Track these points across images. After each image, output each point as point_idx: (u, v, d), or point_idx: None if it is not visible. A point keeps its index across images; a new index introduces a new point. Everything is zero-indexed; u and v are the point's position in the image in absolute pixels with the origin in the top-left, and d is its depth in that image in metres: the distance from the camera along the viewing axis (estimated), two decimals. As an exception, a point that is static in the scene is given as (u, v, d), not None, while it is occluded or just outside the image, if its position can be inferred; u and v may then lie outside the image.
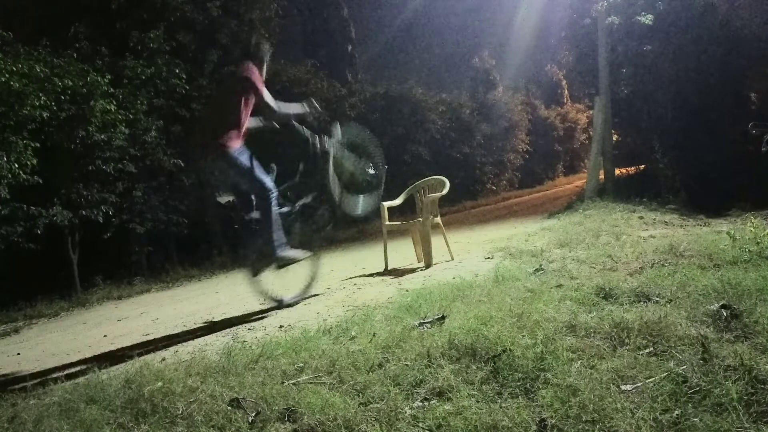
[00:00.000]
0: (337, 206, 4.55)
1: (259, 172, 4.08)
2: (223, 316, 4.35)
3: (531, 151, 19.84)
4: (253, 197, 4.12)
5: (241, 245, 4.56)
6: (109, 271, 8.34)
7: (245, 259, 4.44)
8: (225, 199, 4.39)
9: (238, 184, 4.13)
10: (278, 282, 4.27)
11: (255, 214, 4.13)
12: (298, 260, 4.26)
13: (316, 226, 4.55)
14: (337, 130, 4.61)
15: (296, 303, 4.30)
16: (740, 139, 9.15)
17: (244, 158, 4.00)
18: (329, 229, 4.70)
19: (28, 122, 6.68)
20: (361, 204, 4.74)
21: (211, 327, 3.98)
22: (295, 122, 4.32)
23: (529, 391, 1.95)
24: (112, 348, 3.81)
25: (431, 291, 3.58)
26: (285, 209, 4.30)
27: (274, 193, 4.10)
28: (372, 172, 4.80)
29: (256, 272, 4.22)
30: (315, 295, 4.51)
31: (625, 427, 1.63)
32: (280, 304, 4.26)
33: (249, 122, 4.13)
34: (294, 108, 4.30)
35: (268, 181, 4.11)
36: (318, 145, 4.40)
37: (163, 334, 4.01)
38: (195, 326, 4.09)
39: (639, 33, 9.36)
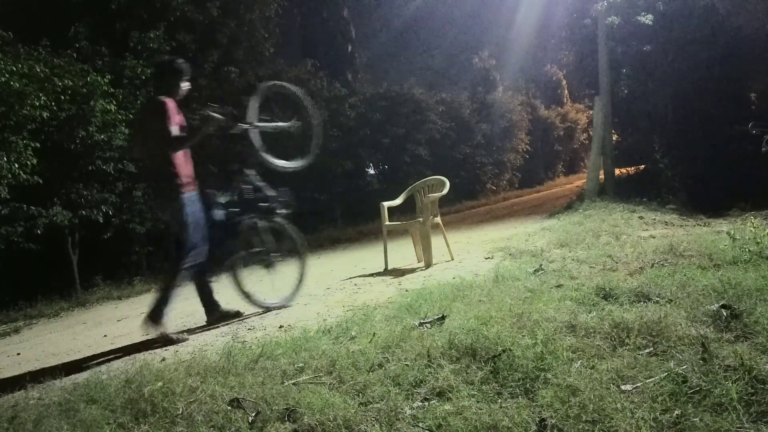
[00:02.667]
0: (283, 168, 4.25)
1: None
2: (223, 316, 4.34)
3: (531, 151, 19.87)
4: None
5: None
6: (109, 271, 8.34)
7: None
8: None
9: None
10: (266, 285, 4.14)
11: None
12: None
13: (285, 211, 4.24)
14: (253, 103, 4.09)
15: (282, 307, 4.16)
16: (740, 139, 9.15)
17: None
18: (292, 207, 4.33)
19: (28, 122, 6.68)
20: (302, 160, 4.44)
21: (211, 327, 3.98)
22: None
23: (529, 391, 1.95)
24: (112, 348, 3.81)
25: (431, 291, 3.59)
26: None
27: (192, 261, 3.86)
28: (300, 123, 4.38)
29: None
30: (315, 295, 4.51)
31: (625, 427, 1.63)
32: (267, 309, 4.12)
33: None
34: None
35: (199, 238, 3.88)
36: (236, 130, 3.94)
37: (163, 334, 4.00)
38: (195, 326, 4.09)
39: (639, 33, 9.36)
